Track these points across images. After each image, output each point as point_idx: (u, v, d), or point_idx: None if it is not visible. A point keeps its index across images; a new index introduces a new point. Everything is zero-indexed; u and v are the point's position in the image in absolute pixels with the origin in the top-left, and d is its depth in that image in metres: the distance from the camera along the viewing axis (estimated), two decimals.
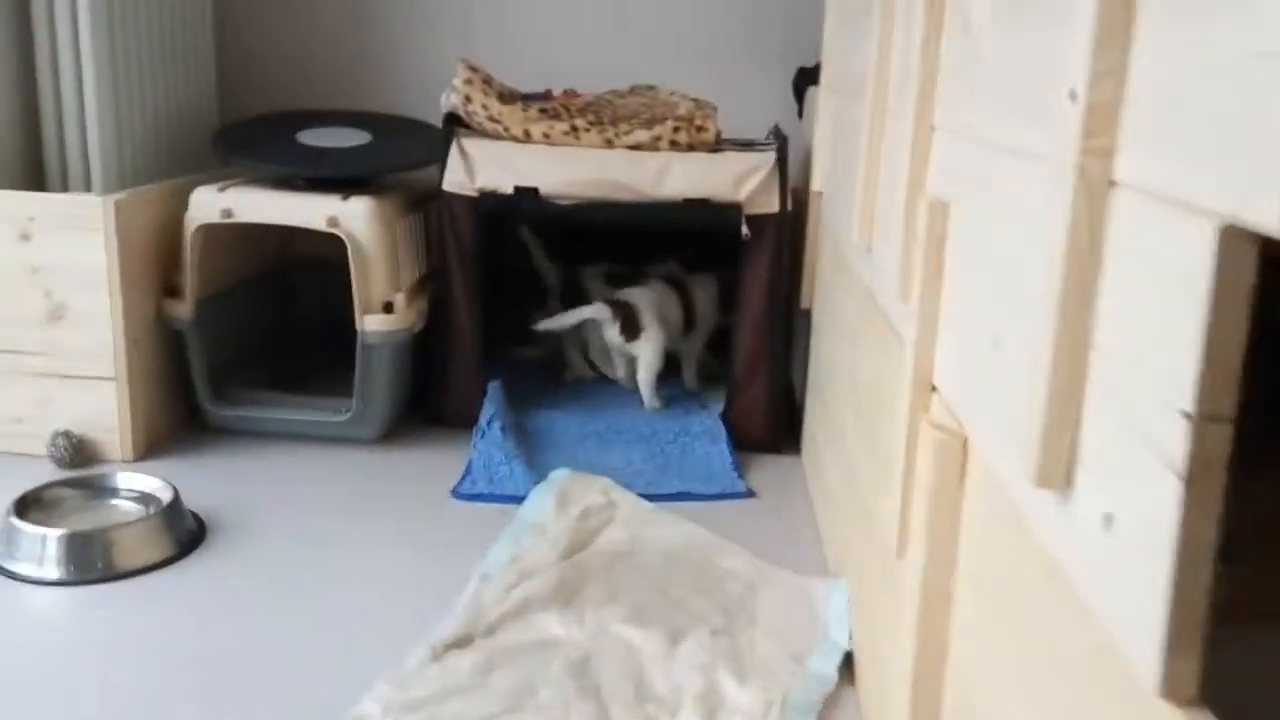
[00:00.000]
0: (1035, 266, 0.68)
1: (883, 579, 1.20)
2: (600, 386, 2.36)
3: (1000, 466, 0.77)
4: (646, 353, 2.21)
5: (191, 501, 1.71)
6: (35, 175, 2.08)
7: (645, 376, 2.22)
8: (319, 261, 2.14)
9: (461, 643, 1.38)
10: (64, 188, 2.05)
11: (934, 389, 1.00)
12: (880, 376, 1.28)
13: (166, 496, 1.63)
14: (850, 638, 1.40)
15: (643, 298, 2.23)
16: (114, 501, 1.68)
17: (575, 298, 2.31)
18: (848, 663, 1.37)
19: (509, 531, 1.69)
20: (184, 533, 1.60)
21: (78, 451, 1.84)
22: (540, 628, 1.43)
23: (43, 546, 1.48)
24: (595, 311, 2.20)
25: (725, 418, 2.12)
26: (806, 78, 2.39)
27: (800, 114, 2.53)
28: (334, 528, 1.70)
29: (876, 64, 1.29)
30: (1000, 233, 0.81)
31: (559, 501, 1.79)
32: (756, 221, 2.02)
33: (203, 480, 1.84)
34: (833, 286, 1.80)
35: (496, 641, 1.40)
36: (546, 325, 2.20)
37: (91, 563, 1.49)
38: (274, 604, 1.47)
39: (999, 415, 0.78)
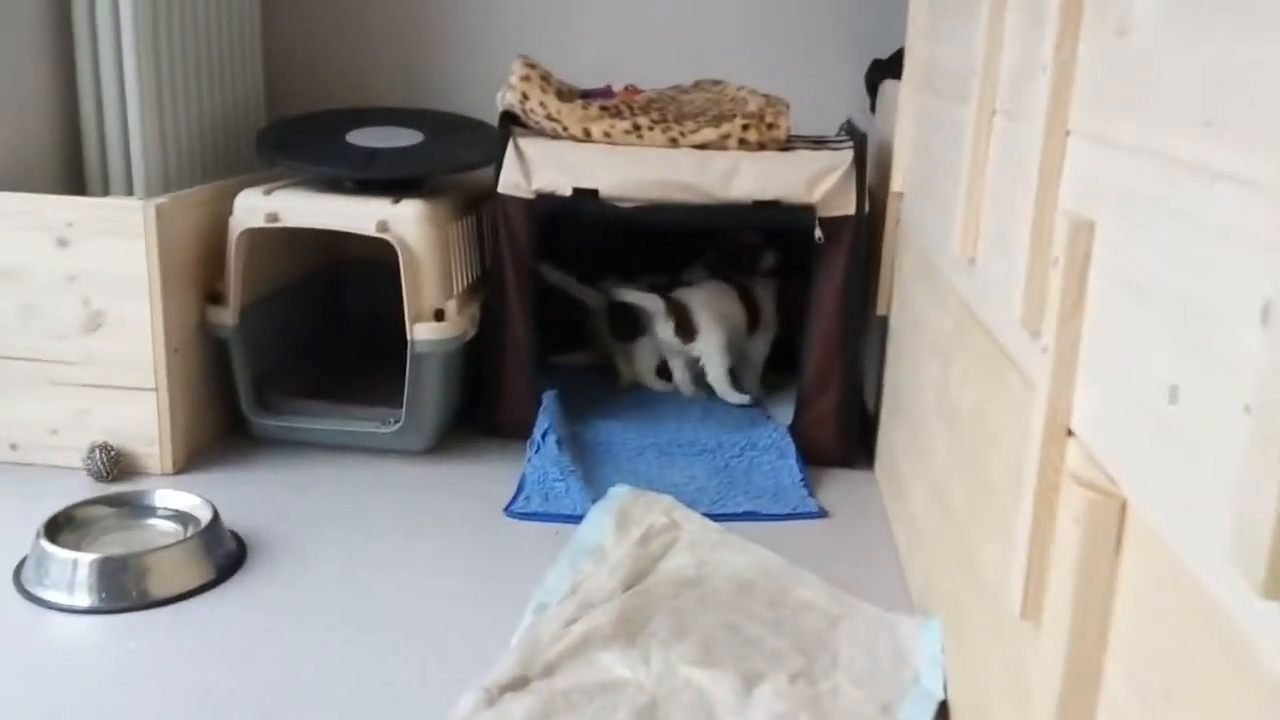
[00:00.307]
0: (1241, 313, 0.55)
1: (991, 629, 1.07)
2: (658, 395, 2.25)
3: (1186, 548, 0.65)
4: (708, 349, 2.13)
5: (232, 519, 1.62)
6: (75, 178, 2.00)
7: (716, 374, 2.15)
8: (369, 263, 2.04)
9: (517, 685, 1.27)
10: (105, 191, 1.97)
11: (1069, 433, 0.87)
12: (986, 404, 1.15)
13: (205, 516, 1.54)
14: (944, 686, 1.27)
15: (696, 297, 2.15)
16: (150, 521, 1.59)
17: (623, 320, 2.21)
18: (941, 713, 1.25)
19: (566, 555, 1.58)
20: (223, 555, 1.51)
21: (115, 465, 1.76)
22: (602, 668, 1.32)
23: (73, 572, 1.39)
24: (650, 303, 2.13)
25: (794, 430, 1.99)
26: (882, 70, 2.25)
27: (873, 108, 2.39)
28: (380, 548, 1.60)
29: (984, 62, 1.15)
30: (1175, 262, 0.68)
31: (619, 522, 1.68)
32: (831, 224, 1.89)
33: (244, 495, 1.75)
34: (915, 295, 1.67)
35: (555, 684, 1.29)
36: (625, 295, 2.14)
37: (125, 590, 1.40)
38: (316, 634, 1.37)
39: (1181, 484, 0.65)
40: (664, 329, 2.12)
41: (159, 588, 1.42)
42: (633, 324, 2.22)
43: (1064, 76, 0.90)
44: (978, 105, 1.17)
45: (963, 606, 1.22)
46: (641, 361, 2.26)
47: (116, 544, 1.52)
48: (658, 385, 2.26)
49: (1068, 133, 0.92)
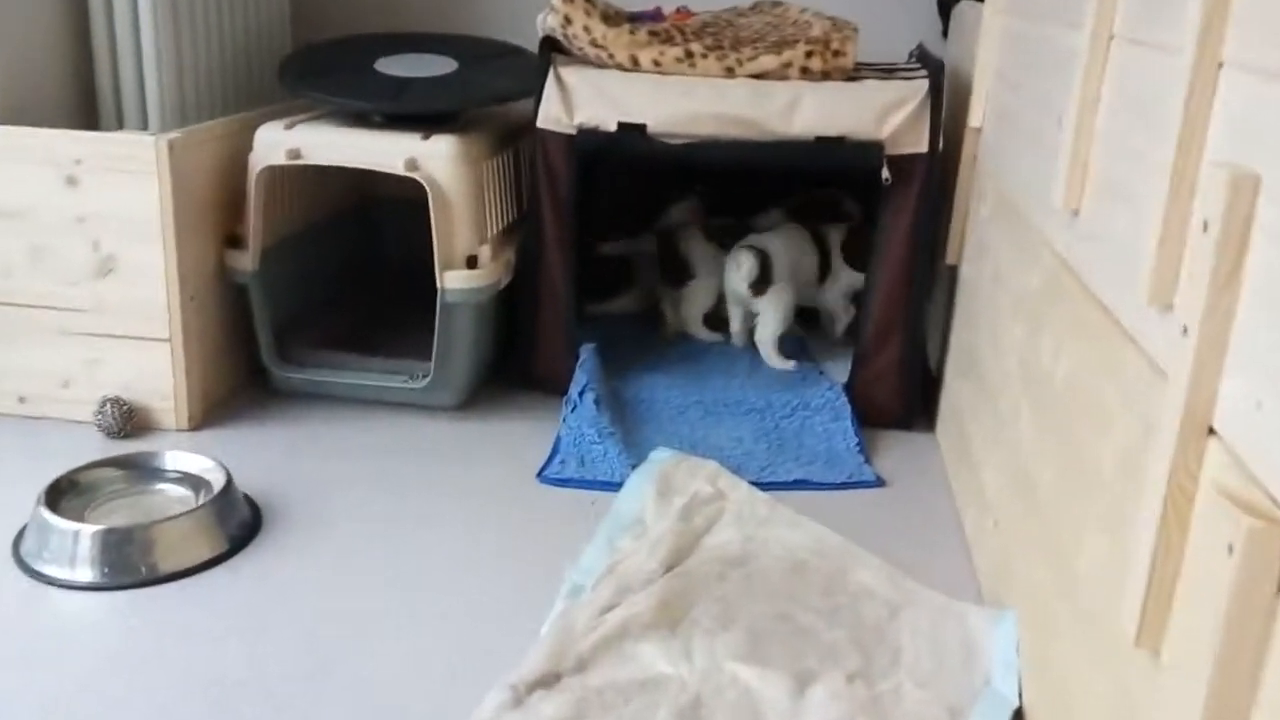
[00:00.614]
0: None
1: (1084, 639, 0.93)
2: (704, 347, 2.10)
3: None
4: (770, 309, 1.97)
5: (247, 482, 1.52)
6: (88, 113, 1.88)
7: (768, 333, 1.98)
8: (402, 201, 1.88)
9: (547, 681, 1.15)
10: (119, 125, 1.84)
11: (1211, 431, 0.71)
12: (1091, 381, 0.99)
13: (219, 481, 1.43)
14: (1020, 692, 1.14)
15: (778, 245, 1.97)
16: (160, 486, 1.48)
17: (675, 263, 2.06)
18: None
19: (603, 530, 1.46)
20: (236, 525, 1.41)
21: (128, 420, 1.66)
22: (642, 663, 1.20)
23: (75, 544, 1.29)
24: (730, 255, 1.97)
25: (849, 388, 1.84)
26: None
27: (944, 33, 2.19)
28: (404, 517, 1.49)
29: None
30: None
31: (660, 491, 1.54)
32: (900, 163, 1.71)
33: (262, 455, 1.64)
34: (995, 245, 1.50)
35: (588, 680, 1.17)
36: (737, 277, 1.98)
37: (131, 564, 1.30)
38: (333, 614, 1.26)
39: None
40: (736, 277, 1.95)
41: (166, 561, 1.32)
42: (684, 267, 2.07)
43: None
44: (1092, 30, 0.99)
45: (1046, 604, 1.08)
46: (692, 308, 2.10)
47: (122, 512, 1.42)
48: (704, 335, 2.11)
49: (1220, 64, 0.74)
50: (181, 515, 1.36)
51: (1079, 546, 0.98)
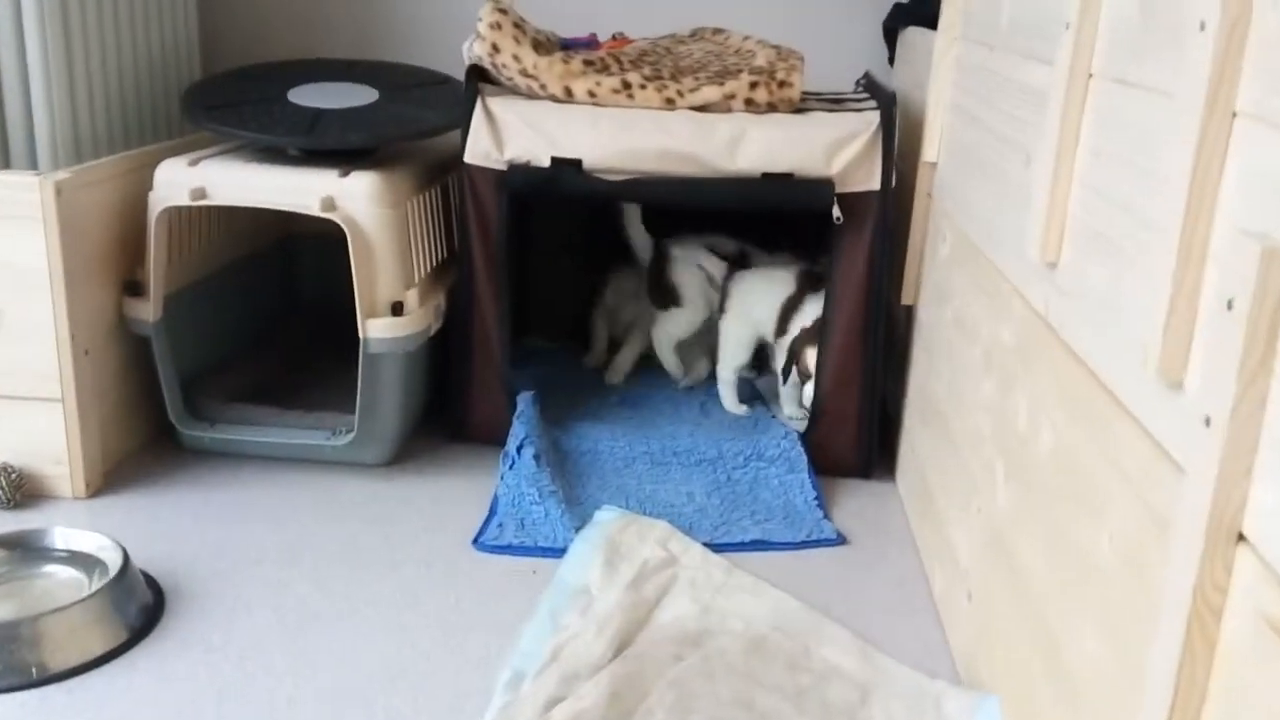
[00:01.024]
0: None
1: None
2: (650, 391, 1.99)
3: None
4: (731, 339, 1.89)
5: (151, 556, 1.38)
6: None
7: (726, 373, 1.90)
8: (320, 237, 1.75)
9: None
10: (5, 165, 1.68)
11: (1241, 537, 0.62)
12: (1080, 455, 0.90)
13: (114, 562, 1.28)
14: None
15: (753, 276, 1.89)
16: (48, 569, 1.33)
17: (663, 284, 1.95)
18: None
19: (545, 604, 1.34)
20: (136, 612, 1.26)
21: (17, 489, 1.50)
22: None
23: None
24: (785, 276, 1.82)
25: (805, 437, 1.74)
26: (905, 16, 1.97)
27: (890, 60, 2.12)
28: (325, 595, 1.35)
29: (1081, 12, 0.89)
30: None
31: (607, 558, 1.43)
32: (852, 201, 1.62)
33: (168, 523, 1.50)
34: (956, 288, 1.42)
35: None
36: (706, 264, 1.89)
37: (18, 663, 1.14)
38: (246, 716, 1.12)
39: None
40: (769, 305, 1.82)
41: (55, 658, 1.17)
42: (671, 291, 1.95)
43: (1234, 36, 0.64)
44: (1069, 66, 0.90)
45: (1032, 691, 0.99)
46: (668, 333, 1.97)
47: (7, 602, 1.26)
48: (670, 362, 1.98)
49: (1234, 114, 0.65)
50: (72, 605, 1.21)
51: (1071, 636, 0.89)
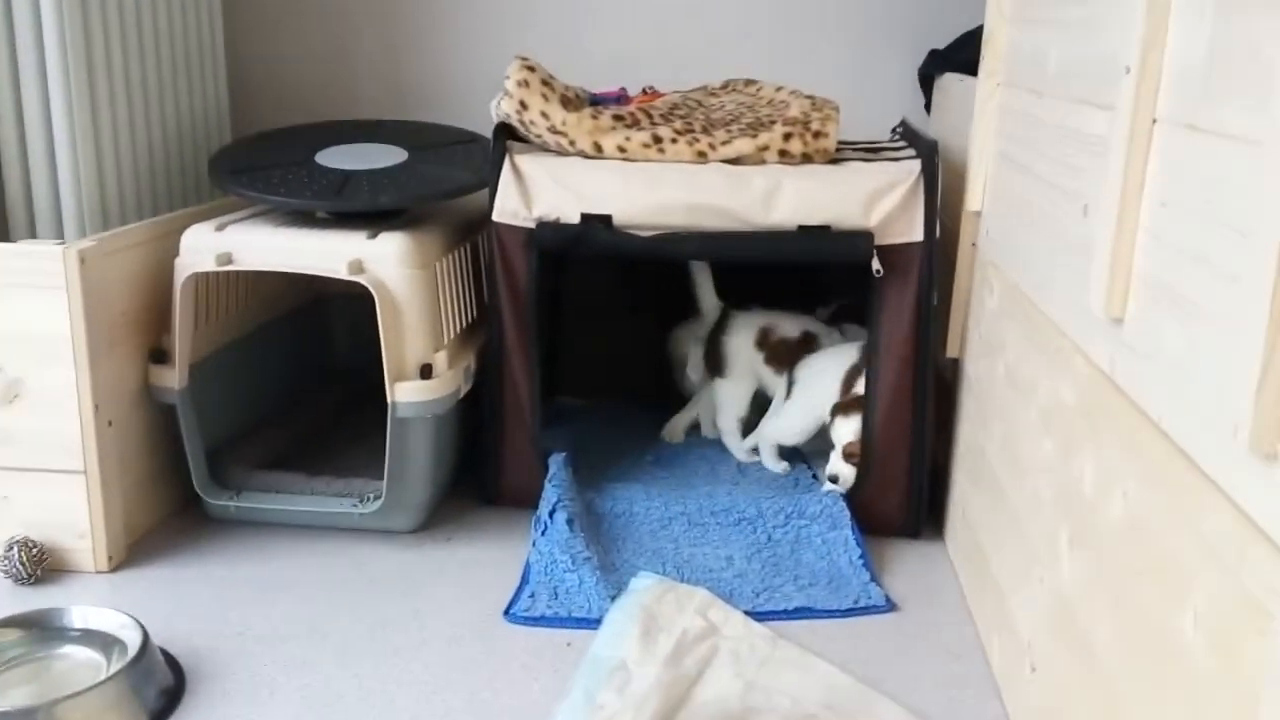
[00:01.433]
0: None
1: None
2: (685, 449, 1.94)
3: None
4: (793, 404, 1.81)
5: (174, 632, 1.33)
6: None
7: (771, 432, 1.85)
8: (349, 298, 1.72)
9: None
10: (31, 234, 1.67)
11: None
12: (1158, 528, 0.83)
13: (134, 641, 1.24)
14: None
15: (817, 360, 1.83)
16: (65, 649, 1.28)
17: (714, 354, 1.90)
18: None
19: (580, 681, 1.27)
20: (155, 694, 1.21)
21: (38, 564, 1.46)
22: None
23: None
24: (849, 351, 1.76)
25: (850, 496, 1.67)
26: (942, 62, 1.93)
27: (927, 107, 2.07)
28: (351, 672, 1.30)
29: (1143, 54, 0.83)
30: None
31: (644, 629, 1.36)
32: (892, 253, 1.57)
33: (192, 597, 1.45)
34: (1006, 342, 1.35)
35: None
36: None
37: None
38: None
39: None
40: (833, 376, 1.75)
41: None
42: (720, 361, 1.89)
43: None
44: (1132, 112, 0.85)
45: None
46: (715, 402, 1.92)
47: (23, 686, 1.22)
48: (724, 435, 1.93)
49: None
50: (89, 690, 1.16)
51: (1148, 719, 0.82)
